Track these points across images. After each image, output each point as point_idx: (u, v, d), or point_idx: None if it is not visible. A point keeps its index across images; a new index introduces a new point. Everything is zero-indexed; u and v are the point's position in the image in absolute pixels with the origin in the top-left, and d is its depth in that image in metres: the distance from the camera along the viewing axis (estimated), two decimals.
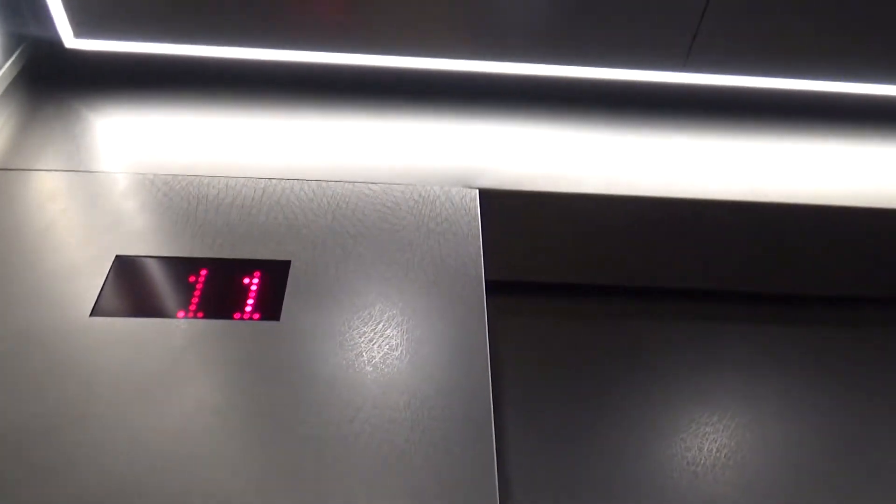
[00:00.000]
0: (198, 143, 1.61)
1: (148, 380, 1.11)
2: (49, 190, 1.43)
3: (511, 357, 1.66)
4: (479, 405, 1.12)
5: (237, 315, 1.22)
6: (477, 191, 1.51)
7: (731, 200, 1.58)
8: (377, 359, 1.17)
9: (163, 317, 1.21)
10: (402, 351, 1.19)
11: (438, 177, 1.54)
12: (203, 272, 1.29)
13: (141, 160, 1.54)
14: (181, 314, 1.21)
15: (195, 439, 1.04)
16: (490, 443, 1.07)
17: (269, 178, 1.49)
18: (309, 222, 1.40)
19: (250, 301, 1.25)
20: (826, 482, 1.53)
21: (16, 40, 1.66)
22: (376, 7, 1.61)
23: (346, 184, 1.50)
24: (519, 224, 1.63)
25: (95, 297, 1.22)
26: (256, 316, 1.22)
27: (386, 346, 1.19)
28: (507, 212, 1.57)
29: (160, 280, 1.28)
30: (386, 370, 1.16)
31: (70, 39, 1.67)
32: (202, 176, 1.48)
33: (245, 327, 1.21)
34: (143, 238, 1.34)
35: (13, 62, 1.64)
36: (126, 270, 1.28)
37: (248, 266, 1.31)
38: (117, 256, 1.30)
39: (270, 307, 1.24)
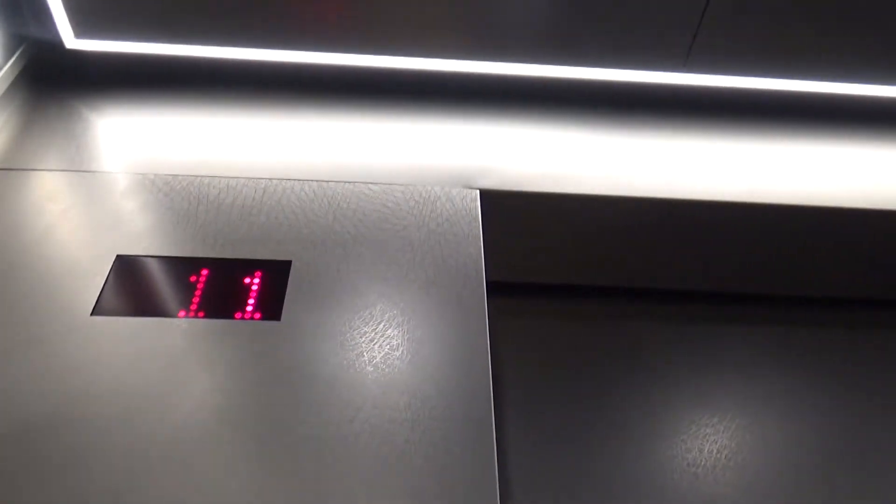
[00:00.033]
0: (198, 144, 1.61)
1: (149, 379, 1.11)
2: (50, 190, 1.43)
3: (512, 358, 1.66)
4: (480, 405, 1.12)
5: (238, 315, 1.22)
6: (478, 191, 1.51)
7: (732, 202, 1.58)
8: (378, 359, 1.17)
9: (164, 316, 1.21)
10: (402, 351, 1.19)
11: (439, 177, 1.55)
12: (204, 272, 1.29)
13: (142, 160, 1.54)
14: (182, 314, 1.21)
15: (196, 438, 1.04)
16: (490, 443, 1.07)
17: (270, 179, 1.49)
18: (310, 222, 1.40)
19: (251, 301, 1.25)
20: (826, 483, 1.53)
21: (17, 41, 1.66)
22: (377, 7, 1.61)
23: (347, 184, 1.50)
24: (519, 225, 1.63)
25: (96, 297, 1.22)
26: (257, 316, 1.23)
27: (387, 347, 1.19)
28: (507, 212, 1.57)
29: (161, 280, 1.28)
30: (386, 370, 1.16)
31: (71, 40, 1.67)
32: (203, 176, 1.48)
33: (246, 327, 1.21)
34: (144, 238, 1.34)
35: (14, 62, 1.65)
36: (127, 270, 1.28)
37: (248, 266, 1.31)
38: (118, 256, 1.30)
39: (271, 307, 1.24)
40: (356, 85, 1.78)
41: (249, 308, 1.24)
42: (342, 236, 1.38)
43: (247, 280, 1.28)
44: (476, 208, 1.47)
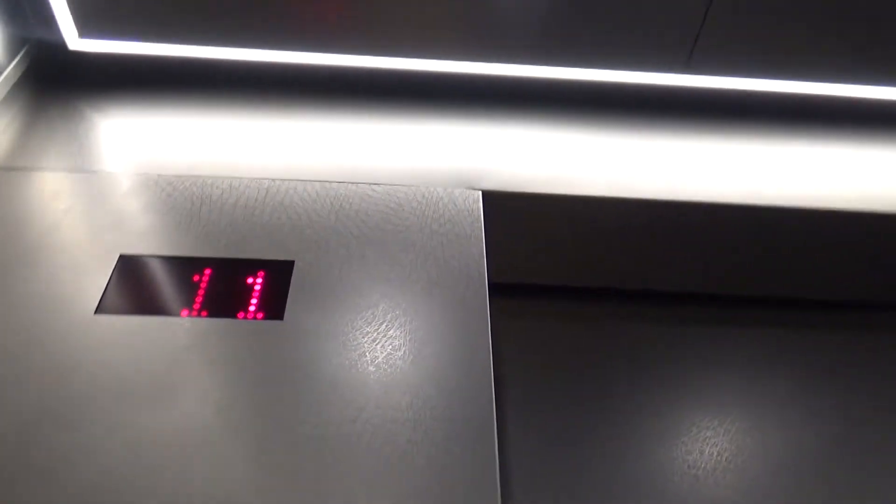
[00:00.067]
0: (202, 144, 1.61)
1: (152, 378, 1.11)
2: (53, 190, 1.43)
3: (513, 358, 1.66)
4: (482, 406, 1.12)
5: (241, 314, 1.23)
6: (480, 192, 1.51)
7: (733, 203, 1.58)
8: (380, 359, 1.17)
9: (167, 315, 1.21)
10: (405, 351, 1.19)
11: (442, 178, 1.55)
12: (207, 271, 1.29)
13: (145, 160, 1.54)
14: (185, 313, 1.22)
15: (197, 437, 1.04)
16: (492, 444, 1.07)
17: (273, 179, 1.50)
18: (312, 223, 1.41)
19: (254, 300, 1.25)
20: (826, 486, 1.53)
21: (20, 41, 1.67)
22: (381, 8, 1.61)
23: (350, 185, 1.50)
24: (522, 226, 1.63)
25: (100, 296, 1.22)
26: (260, 315, 1.23)
27: (389, 347, 1.19)
28: (510, 213, 1.57)
29: (164, 279, 1.28)
30: (388, 370, 1.16)
31: (74, 40, 1.68)
32: (206, 176, 1.49)
33: (249, 326, 1.21)
34: (147, 238, 1.34)
35: (17, 63, 1.65)
36: (130, 269, 1.28)
37: (251, 266, 1.31)
38: (121, 256, 1.30)
39: (274, 307, 1.24)
40: (359, 86, 1.78)
41: (252, 308, 1.24)
42: (345, 237, 1.38)
43: (250, 280, 1.28)
44: (478, 209, 1.47)
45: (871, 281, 1.82)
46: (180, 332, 1.18)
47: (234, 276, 1.29)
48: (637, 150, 1.70)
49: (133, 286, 1.26)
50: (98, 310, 1.20)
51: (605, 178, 1.61)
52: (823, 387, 1.72)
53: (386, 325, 1.23)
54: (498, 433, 1.10)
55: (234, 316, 1.22)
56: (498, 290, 1.37)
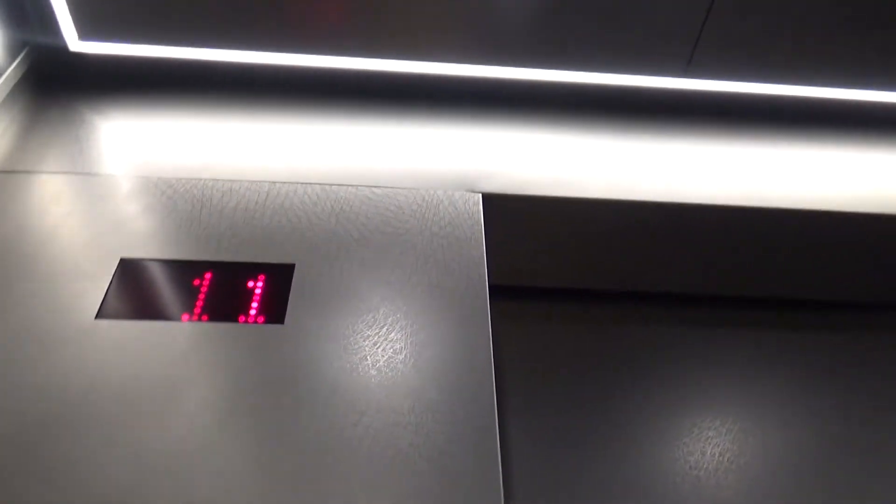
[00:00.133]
0: (202, 147, 1.61)
1: (152, 382, 1.11)
2: (53, 193, 1.43)
3: (514, 361, 1.66)
4: (483, 409, 1.12)
5: (241, 318, 1.22)
6: (480, 195, 1.51)
7: (734, 206, 1.58)
8: (381, 362, 1.17)
9: (167, 319, 1.21)
10: (406, 354, 1.19)
11: (442, 181, 1.55)
12: (207, 275, 1.29)
13: (145, 163, 1.54)
14: (186, 317, 1.22)
15: (199, 442, 1.04)
16: (494, 447, 1.08)
17: (273, 182, 1.49)
18: (313, 226, 1.41)
19: (254, 304, 1.25)
20: (828, 486, 1.54)
21: (20, 43, 1.67)
22: (381, 11, 1.61)
23: (350, 187, 1.50)
24: (522, 228, 1.63)
25: (100, 300, 1.22)
26: (261, 319, 1.23)
27: (390, 350, 1.19)
28: (510, 216, 1.57)
29: (165, 283, 1.28)
30: (390, 374, 1.16)
31: (74, 42, 1.67)
32: (206, 179, 1.48)
33: (249, 330, 1.21)
34: (148, 241, 1.34)
35: (17, 65, 1.65)
36: (131, 273, 1.28)
37: (252, 269, 1.31)
38: (122, 259, 1.30)
39: (275, 310, 1.24)
40: (359, 89, 1.78)
41: (253, 311, 1.24)
42: (345, 240, 1.38)
43: (250, 283, 1.28)
44: (479, 212, 1.47)
45: (871, 281, 1.83)
46: (181, 336, 1.18)
47: (234, 279, 1.29)
48: (637, 153, 1.70)
49: (134, 290, 1.25)
50: (99, 314, 1.20)
51: (605, 180, 1.61)
52: (823, 387, 1.72)
53: (387, 329, 1.23)
54: (500, 435, 1.10)
55: (234, 320, 1.22)
56: (498, 292, 1.37)
